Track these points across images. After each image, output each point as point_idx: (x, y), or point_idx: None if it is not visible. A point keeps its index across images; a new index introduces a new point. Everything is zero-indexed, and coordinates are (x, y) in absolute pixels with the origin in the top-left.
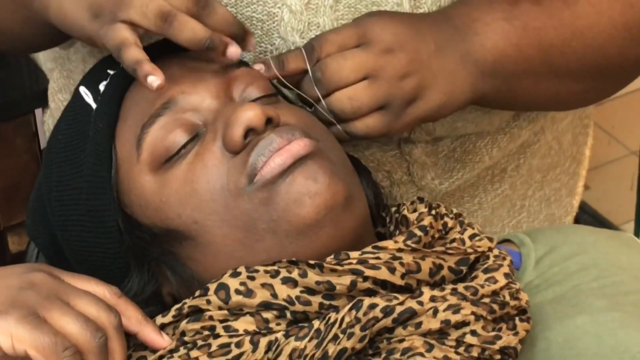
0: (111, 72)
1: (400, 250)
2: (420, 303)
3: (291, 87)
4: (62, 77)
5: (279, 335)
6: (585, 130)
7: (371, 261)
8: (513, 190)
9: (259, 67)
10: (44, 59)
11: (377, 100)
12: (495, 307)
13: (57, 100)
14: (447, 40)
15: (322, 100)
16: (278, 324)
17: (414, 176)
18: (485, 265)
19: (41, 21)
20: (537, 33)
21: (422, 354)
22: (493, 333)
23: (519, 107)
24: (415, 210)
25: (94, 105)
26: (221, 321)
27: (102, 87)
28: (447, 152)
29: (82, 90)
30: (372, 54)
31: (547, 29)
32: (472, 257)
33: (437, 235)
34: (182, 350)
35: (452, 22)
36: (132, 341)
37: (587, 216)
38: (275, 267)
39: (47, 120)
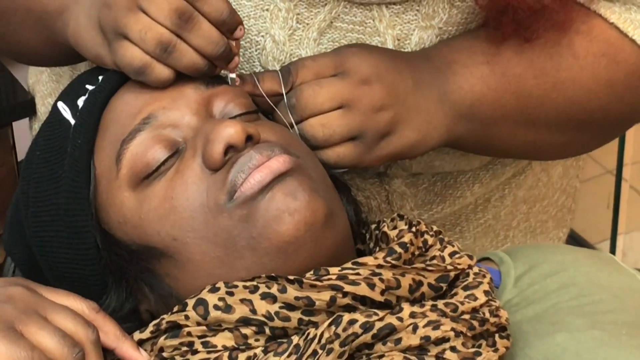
0: (90, 88)
1: (380, 266)
2: (400, 319)
3: (269, 109)
4: (51, 81)
5: (258, 351)
6: (577, 162)
7: (351, 277)
8: (497, 221)
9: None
10: None
11: (350, 129)
12: (475, 323)
13: (47, 104)
14: (424, 79)
15: (295, 126)
16: (257, 340)
17: (392, 205)
18: (465, 283)
19: (62, 42)
20: (517, 80)
21: None
22: (473, 349)
23: (495, 154)
24: (395, 227)
25: (72, 121)
26: (199, 337)
27: (80, 102)
28: (427, 185)
29: (60, 105)
30: (348, 83)
31: (527, 77)
32: (452, 274)
33: (417, 252)
34: None
35: (431, 62)
36: (109, 357)
37: None
38: (255, 283)
39: (34, 126)
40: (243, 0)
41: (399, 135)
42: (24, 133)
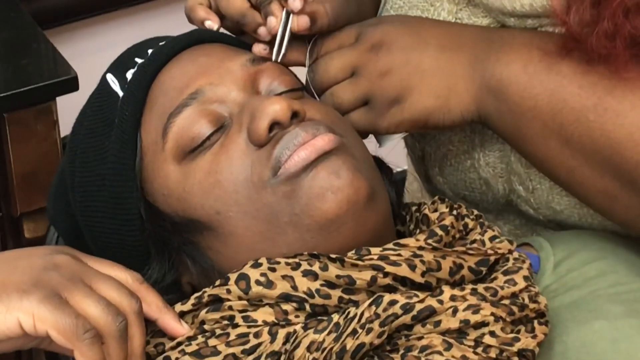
0: (139, 61)
1: (421, 248)
2: (440, 302)
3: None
4: None
5: (298, 327)
6: None
7: (392, 257)
8: None
9: (262, 47)
10: None
11: (356, 97)
12: (515, 309)
13: None
14: (461, 43)
15: (317, 98)
16: (297, 316)
17: None
18: (505, 267)
19: None
20: (558, 79)
21: (440, 353)
22: (511, 335)
23: (539, 167)
24: (436, 210)
25: (120, 93)
26: (240, 311)
27: (129, 75)
28: None
29: (109, 77)
30: (356, 51)
31: (571, 82)
32: (492, 258)
33: (457, 236)
34: (200, 339)
35: (485, 33)
36: (150, 327)
37: None
38: (297, 260)
39: None
40: None
41: (412, 100)
42: (67, 109)
